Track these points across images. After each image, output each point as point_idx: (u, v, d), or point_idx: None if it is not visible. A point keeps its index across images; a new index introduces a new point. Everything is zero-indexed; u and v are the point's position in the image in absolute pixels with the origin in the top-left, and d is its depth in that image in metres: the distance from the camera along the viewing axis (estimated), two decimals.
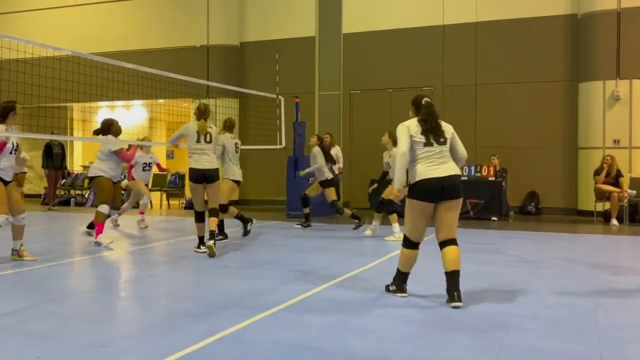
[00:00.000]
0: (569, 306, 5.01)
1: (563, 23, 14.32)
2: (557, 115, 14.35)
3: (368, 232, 9.76)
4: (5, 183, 6.80)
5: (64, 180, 17.25)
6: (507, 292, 5.51)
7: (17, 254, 7.08)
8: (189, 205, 14.31)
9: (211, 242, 7.42)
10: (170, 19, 17.82)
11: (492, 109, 14.71)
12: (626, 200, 12.21)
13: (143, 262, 7.48)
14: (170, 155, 19.24)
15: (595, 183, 12.48)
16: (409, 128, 5.13)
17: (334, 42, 16.39)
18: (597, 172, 12.52)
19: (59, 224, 11.46)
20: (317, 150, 10.78)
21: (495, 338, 4.05)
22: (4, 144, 6.74)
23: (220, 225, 8.78)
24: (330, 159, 10.98)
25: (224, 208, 8.47)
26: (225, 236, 8.99)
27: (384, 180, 9.91)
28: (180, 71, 11.93)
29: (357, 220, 10.51)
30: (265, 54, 16.36)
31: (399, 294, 5.22)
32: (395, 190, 5.17)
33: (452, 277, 4.93)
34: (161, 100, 16.69)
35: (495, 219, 12.57)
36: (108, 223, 9.43)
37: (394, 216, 9.22)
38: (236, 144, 9.06)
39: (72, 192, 17.79)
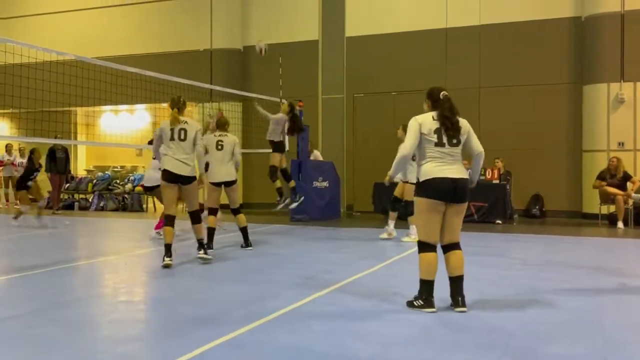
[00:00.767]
0: (574, 309, 4.98)
1: (567, 26, 14.29)
2: (561, 118, 14.31)
3: (384, 235, 9.54)
4: None
5: (67, 185, 17.26)
6: (511, 295, 5.48)
7: None
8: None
9: (201, 253, 6.98)
10: (174, 23, 17.85)
11: (495, 112, 14.68)
12: (631, 204, 12.15)
13: (146, 266, 7.46)
14: None
15: (594, 186, 12.41)
16: (422, 125, 4.87)
17: (337, 46, 16.39)
18: (600, 176, 12.43)
19: (63, 229, 11.47)
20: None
21: (499, 342, 4.02)
22: None
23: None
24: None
25: (197, 212, 7.31)
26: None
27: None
28: (184, 75, 11.97)
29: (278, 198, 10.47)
30: (268, 58, 16.35)
31: (427, 310, 4.73)
32: (387, 178, 5.19)
33: (456, 283, 4.85)
34: (164, 104, 16.69)
35: (500, 222, 12.53)
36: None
37: (412, 218, 8.90)
38: (218, 141, 8.24)
39: (76, 196, 17.81)
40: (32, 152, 12.58)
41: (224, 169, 8.24)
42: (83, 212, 16.53)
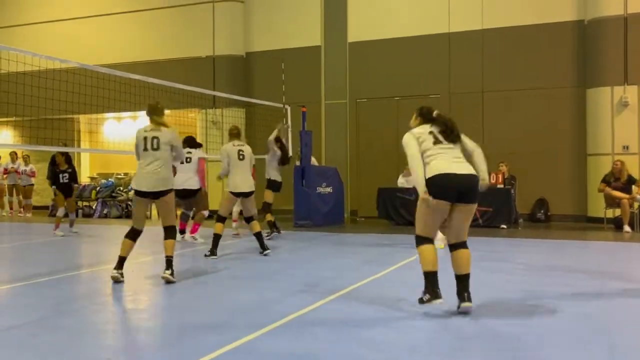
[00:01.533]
0: (580, 314, 4.94)
1: (570, 29, 14.27)
2: (565, 122, 14.28)
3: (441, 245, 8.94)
4: None
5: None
6: (517, 300, 5.44)
7: None
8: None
9: (167, 273, 6.34)
10: (176, 30, 17.88)
11: (499, 116, 14.66)
12: (637, 207, 12.09)
13: (151, 274, 7.44)
14: None
15: (599, 190, 12.36)
16: (415, 133, 4.99)
17: (339, 51, 16.40)
18: (605, 179, 12.37)
19: (67, 235, 11.45)
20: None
21: (505, 348, 3.99)
22: None
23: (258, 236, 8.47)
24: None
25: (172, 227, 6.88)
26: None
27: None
28: (187, 82, 11.98)
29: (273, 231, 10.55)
30: (271, 64, 16.38)
31: (436, 301, 4.73)
32: (421, 194, 4.75)
33: (463, 281, 4.85)
34: (167, 111, 16.70)
35: (505, 226, 12.48)
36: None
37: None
38: (239, 151, 8.45)
39: (79, 203, 17.80)
40: (53, 157, 12.16)
41: (246, 180, 8.41)
42: (87, 219, 16.53)
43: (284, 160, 10.85)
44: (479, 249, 8.32)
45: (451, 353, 3.95)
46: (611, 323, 4.67)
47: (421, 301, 4.86)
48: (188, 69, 17.10)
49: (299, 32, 16.68)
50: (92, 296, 6.00)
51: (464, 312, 4.79)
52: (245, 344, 4.07)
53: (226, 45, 17.31)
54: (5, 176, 17.55)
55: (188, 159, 9.75)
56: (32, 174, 17.40)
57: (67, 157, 11.73)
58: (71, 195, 11.86)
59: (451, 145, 4.94)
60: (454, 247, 4.94)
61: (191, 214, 10.65)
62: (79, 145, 19.71)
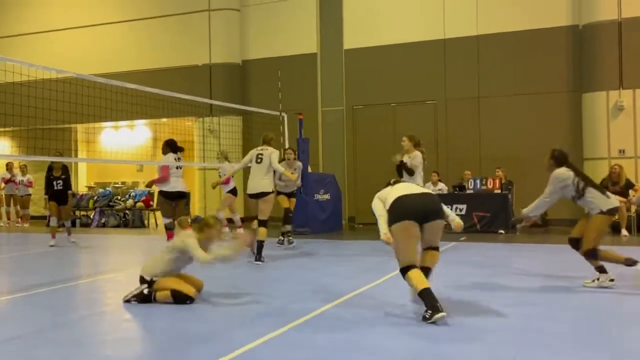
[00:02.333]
0: (580, 319, 4.95)
1: (565, 34, 14.34)
2: (561, 126, 14.33)
3: None
4: None
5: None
6: (516, 306, 5.44)
7: None
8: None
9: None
10: (172, 38, 17.92)
11: (495, 122, 14.70)
12: (633, 210, 12.12)
13: None
14: None
15: None
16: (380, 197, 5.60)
17: (335, 58, 16.45)
18: (602, 184, 12.38)
19: (66, 245, 11.43)
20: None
21: (506, 354, 3.99)
22: None
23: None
24: None
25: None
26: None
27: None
28: (183, 90, 11.98)
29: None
30: (267, 72, 16.42)
31: (438, 315, 4.70)
32: (382, 235, 5.23)
33: (425, 271, 5.17)
34: (164, 119, 16.74)
35: (502, 232, 12.49)
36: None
37: None
38: (259, 154, 8.71)
39: (77, 212, 17.77)
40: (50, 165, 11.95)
41: (257, 182, 8.63)
42: (84, 228, 16.50)
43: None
44: (477, 255, 8.35)
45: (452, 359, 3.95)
46: (612, 328, 4.67)
47: (425, 319, 4.80)
48: (185, 78, 17.13)
49: (295, 40, 16.73)
50: (91, 306, 5.99)
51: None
52: (244, 353, 4.06)
53: (223, 53, 17.35)
54: (3, 186, 17.52)
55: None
56: (30, 184, 17.38)
57: (64, 165, 11.58)
58: (66, 203, 11.60)
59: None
60: (426, 249, 5.43)
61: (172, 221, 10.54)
62: (76, 155, 19.68)
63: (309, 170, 13.95)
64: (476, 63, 14.99)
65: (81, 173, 20.74)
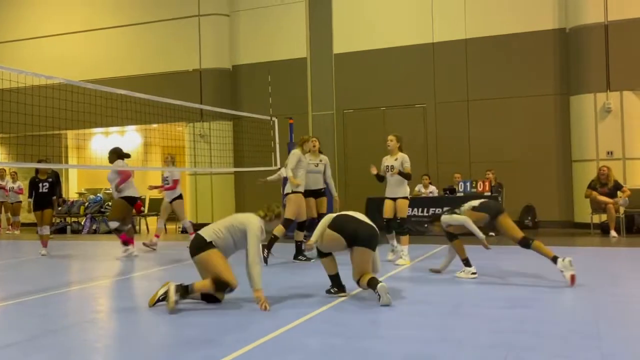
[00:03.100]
0: (570, 321, 5.00)
1: (552, 37, 14.46)
2: (550, 129, 14.44)
3: (393, 258, 8.90)
4: None
5: (60, 208, 17.17)
6: (506, 308, 5.49)
7: None
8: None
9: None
10: (162, 44, 17.91)
11: (485, 125, 14.79)
12: (622, 212, 12.22)
13: (140, 290, 7.43)
14: None
15: (586, 196, 12.47)
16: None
17: (325, 63, 16.50)
18: (591, 185, 12.50)
19: (58, 252, 11.39)
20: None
21: (497, 354, 4.03)
22: None
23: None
24: None
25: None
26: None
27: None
28: (174, 95, 11.97)
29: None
30: (257, 76, 16.45)
31: (342, 295, 6.10)
32: (310, 241, 5.96)
33: (374, 280, 5.79)
34: (155, 125, 16.73)
35: (493, 234, 12.54)
36: None
37: (406, 238, 8.70)
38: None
39: (68, 219, 17.72)
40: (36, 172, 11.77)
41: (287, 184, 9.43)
42: (75, 235, 16.44)
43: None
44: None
45: None
46: (602, 330, 4.71)
47: (328, 292, 6.20)
48: (175, 83, 17.12)
49: (285, 45, 16.77)
50: (82, 313, 5.99)
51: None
52: (236, 358, 4.08)
53: (213, 59, 17.36)
54: None
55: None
56: (20, 191, 17.30)
57: (54, 170, 11.42)
58: (51, 207, 11.25)
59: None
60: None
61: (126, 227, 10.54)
62: (66, 161, 19.63)
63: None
64: (465, 66, 15.08)
65: (72, 179, 20.66)
